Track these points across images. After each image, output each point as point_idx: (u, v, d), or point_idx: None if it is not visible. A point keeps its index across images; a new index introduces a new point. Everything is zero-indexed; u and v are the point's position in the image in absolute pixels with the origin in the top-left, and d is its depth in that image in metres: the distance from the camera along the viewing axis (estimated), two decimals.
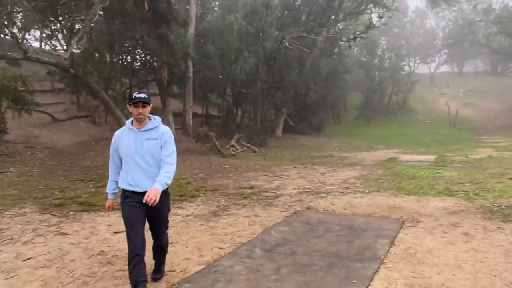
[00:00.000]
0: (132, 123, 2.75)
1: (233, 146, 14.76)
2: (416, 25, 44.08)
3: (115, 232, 4.55)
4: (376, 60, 30.26)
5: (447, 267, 3.32)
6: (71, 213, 5.39)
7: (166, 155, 2.72)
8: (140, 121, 2.67)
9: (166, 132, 2.78)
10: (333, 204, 5.82)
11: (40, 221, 4.97)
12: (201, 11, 19.02)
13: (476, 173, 8.42)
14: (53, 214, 5.29)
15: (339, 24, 15.45)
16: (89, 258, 3.75)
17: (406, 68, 36.26)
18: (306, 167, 10.46)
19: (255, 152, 14.66)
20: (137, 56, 17.12)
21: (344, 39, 15.22)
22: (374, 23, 13.79)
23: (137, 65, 17.23)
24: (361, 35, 14.13)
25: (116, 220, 5.04)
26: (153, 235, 2.98)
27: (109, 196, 2.98)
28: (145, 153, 2.67)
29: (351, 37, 14.49)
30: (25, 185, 7.11)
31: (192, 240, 4.25)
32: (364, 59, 30.43)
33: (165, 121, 15.40)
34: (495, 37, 31.72)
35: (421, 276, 3.17)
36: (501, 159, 10.95)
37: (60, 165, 9.22)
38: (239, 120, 18.83)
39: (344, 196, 6.41)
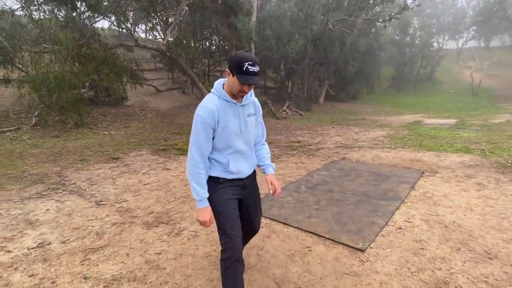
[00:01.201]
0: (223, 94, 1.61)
1: (284, 110, 14.56)
2: (448, 4, 38.05)
3: None
4: (408, 38, 26.97)
5: (459, 209, 3.13)
6: (172, 155, 5.86)
7: (262, 133, 1.88)
8: (240, 97, 1.62)
9: (259, 105, 1.81)
10: (363, 156, 5.62)
11: (152, 160, 5.49)
12: (261, 2, 18.17)
13: (493, 135, 7.49)
14: (160, 156, 5.80)
15: (376, 7, 13.82)
16: (185, 185, 4.11)
17: (435, 44, 32.01)
18: (342, 127, 10.08)
19: (301, 115, 14.36)
20: (213, 41, 17.12)
21: (380, 20, 13.66)
22: (408, 5, 12.12)
23: (213, 48, 17.29)
24: (396, 16, 12.56)
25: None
26: (247, 225, 1.86)
27: (204, 204, 1.63)
28: (248, 132, 1.69)
29: (387, 18, 12.95)
30: (141, 136, 7.80)
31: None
32: (397, 37, 27.30)
33: None
34: None
35: (436, 214, 3.03)
36: None
37: (163, 123, 9.91)
38: (289, 91, 18.37)
39: (373, 150, 6.15)
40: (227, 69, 1.56)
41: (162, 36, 14.34)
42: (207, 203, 1.64)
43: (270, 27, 15.64)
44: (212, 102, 1.60)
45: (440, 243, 2.46)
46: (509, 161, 4.89)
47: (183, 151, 6.14)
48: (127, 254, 2.39)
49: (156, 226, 2.90)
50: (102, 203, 3.48)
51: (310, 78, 18.26)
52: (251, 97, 1.72)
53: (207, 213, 1.64)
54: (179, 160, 5.48)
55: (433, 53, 27.55)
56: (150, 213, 3.21)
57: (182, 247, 2.50)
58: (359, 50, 18.15)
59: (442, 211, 3.08)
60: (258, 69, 1.52)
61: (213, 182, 1.67)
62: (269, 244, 2.52)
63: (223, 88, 1.63)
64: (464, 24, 35.78)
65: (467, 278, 2.01)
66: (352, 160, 5.38)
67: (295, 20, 15.11)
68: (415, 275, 2.06)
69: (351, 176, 4.34)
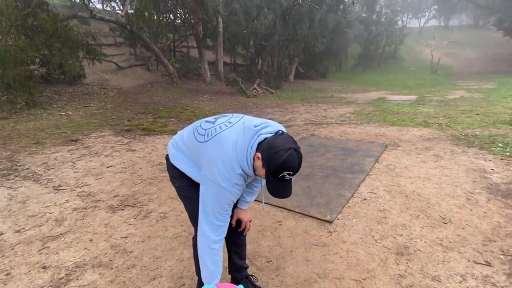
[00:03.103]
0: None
1: (255, 88, 14.39)
2: None
3: None
4: (374, 16, 27.48)
5: (419, 179, 3.33)
6: (137, 136, 5.59)
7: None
8: None
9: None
10: (331, 132, 5.76)
11: (115, 141, 5.19)
12: None
13: (449, 110, 8.03)
14: (124, 137, 5.50)
15: None
16: (152, 167, 3.96)
17: (399, 22, 32.97)
18: (312, 105, 10.22)
19: (272, 93, 14.32)
20: (178, 14, 16.15)
21: None
22: None
23: (178, 22, 16.35)
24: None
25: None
26: None
27: None
28: None
29: None
30: (102, 116, 7.32)
31: None
32: (364, 15, 27.71)
33: (202, 69, 15.10)
34: None
35: (397, 185, 3.21)
36: (471, 99, 10.32)
37: (126, 102, 9.36)
38: (259, 68, 18.13)
39: (340, 126, 6.32)
40: (258, 154, 1.16)
41: (121, 8, 13.27)
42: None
43: (238, 0, 15.05)
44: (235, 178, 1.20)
45: (401, 212, 2.62)
46: (463, 134, 5.28)
47: (149, 131, 5.88)
48: (91, 240, 2.27)
49: (122, 209, 2.77)
50: (61, 188, 3.24)
51: (280, 55, 18.10)
52: None
53: None
54: (145, 141, 5.25)
55: (397, 31, 28.44)
56: (115, 196, 3.06)
57: (150, 229, 2.42)
58: (328, 27, 18.18)
59: (403, 182, 3.27)
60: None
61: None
62: (254, 223, 2.52)
63: (252, 164, 1.19)
64: (426, 2, 37.05)
65: (424, 242, 2.17)
66: (320, 136, 5.50)
67: None
68: (379, 242, 2.18)
69: (320, 152, 4.44)
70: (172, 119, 7.20)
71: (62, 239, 2.28)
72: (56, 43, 8.13)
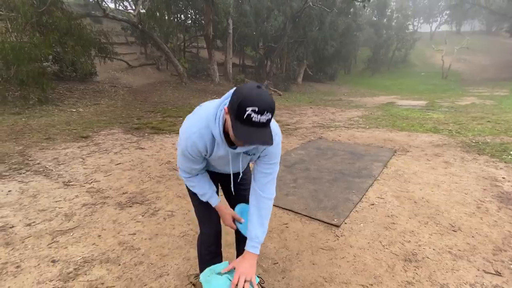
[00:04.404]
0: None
1: None
2: None
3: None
4: (385, 20, 27.30)
5: (428, 185, 3.29)
6: (146, 134, 5.64)
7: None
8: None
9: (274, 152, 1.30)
10: (339, 136, 5.73)
11: (125, 139, 5.25)
12: None
13: (460, 116, 7.90)
14: (133, 135, 5.56)
15: None
16: (160, 165, 3.99)
17: (410, 27, 32.64)
18: (320, 107, 10.18)
19: (280, 95, 14.32)
20: (189, 15, 16.29)
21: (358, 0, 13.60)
22: None
23: (189, 22, 16.49)
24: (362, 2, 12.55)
25: (177, 140, 5.25)
26: None
27: None
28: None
29: None
30: (113, 113, 7.41)
31: None
32: (375, 18, 27.52)
33: (211, 69, 15.18)
34: None
35: (406, 190, 3.17)
36: (482, 106, 10.15)
37: (135, 100, 9.46)
38: (268, 69, 18.17)
39: (349, 130, 6.28)
40: (226, 108, 1.04)
41: (133, 7, 13.44)
42: (215, 199, 1.42)
43: (249, 2, 15.11)
44: (201, 135, 1.14)
45: (409, 218, 2.59)
46: (473, 141, 5.19)
47: (158, 130, 5.93)
48: (99, 236, 2.29)
49: (130, 206, 2.80)
50: (70, 183, 3.29)
51: (289, 57, 18.10)
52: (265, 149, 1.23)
53: (223, 213, 1.48)
54: (154, 139, 5.29)
55: (408, 36, 28.18)
56: (123, 193, 3.09)
57: (158, 227, 2.44)
58: (338, 30, 18.11)
59: (412, 188, 3.22)
60: (270, 117, 0.97)
61: None
62: None
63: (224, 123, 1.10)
64: (438, 8, 36.60)
65: (433, 249, 2.14)
66: (328, 139, 5.47)
67: None
68: (386, 248, 2.15)
69: (328, 155, 4.41)
70: (181, 118, 7.25)
71: (71, 234, 2.31)
72: (69, 41, 8.28)
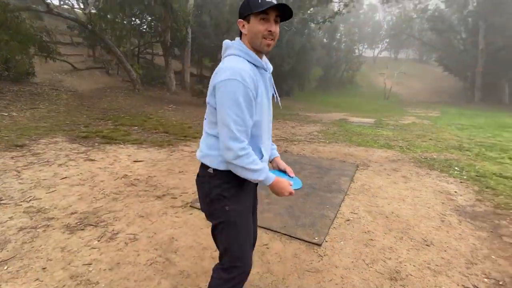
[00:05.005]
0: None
1: None
2: (368, 17, 42.88)
3: (135, 161, 4.32)
4: (335, 43, 29.49)
5: (394, 200, 3.41)
6: (96, 144, 5.05)
7: None
8: (268, 50, 1.20)
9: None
10: (303, 150, 5.80)
11: (70, 149, 4.62)
12: None
13: (405, 134, 8.64)
14: (81, 144, 4.93)
15: (311, 8, 14.53)
16: (115, 180, 3.55)
17: (356, 51, 35.76)
18: (279, 121, 10.33)
19: None
20: (144, 20, 15.57)
21: (315, 21, 14.44)
22: (340, 10, 13.08)
23: (144, 27, 15.74)
24: (330, 19, 13.45)
25: (134, 152, 4.79)
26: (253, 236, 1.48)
27: (272, 177, 1.21)
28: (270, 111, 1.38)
29: (321, 20, 13.78)
30: (54, 119, 6.55)
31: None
32: (326, 41, 29.56)
33: (167, 77, 14.61)
34: (426, 32, 31.46)
35: (376, 205, 3.24)
36: (422, 125, 11.29)
37: (81, 106, 8.56)
38: None
39: (311, 144, 6.40)
40: (239, 20, 1.20)
41: (80, 5, 12.42)
42: (272, 174, 1.23)
43: (209, 13, 15.04)
44: (245, 65, 1.15)
45: (385, 233, 2.61)
46: (423, 157, 5.65)
47: (110, 139, 5.36)
48: (44, 268, 1.87)
49: (82, 229, 2.37)
50: (2, 202, 2.71)
51: None
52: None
53: (283, 182, 1.24)
54: (106, 150, 4.75)
55: (354, 59, 30.75)
56: (72, 213, 2.63)
57: (119, 254, 2.08)
58: (294, 48, 18.94)
59: (381, 202, 3.31)
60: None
61: (237, 180, 1.21)
62: None
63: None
64: (380, 36, 40.81)
65: (413, 265, 2.15)
66: (293, 153, 5.49)
67: (235, 9, 14.82)
68: (370, 267, 2.11)
69: (295, 169, 4.36)
70: (136, 127, 6.71)
71: (5, 267, 1.84)
72: (3, 35, 7.22)
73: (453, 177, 4.43)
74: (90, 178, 3.51)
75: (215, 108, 1.15)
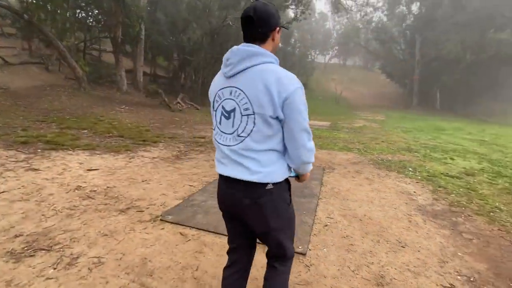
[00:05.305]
0: None
1: (179, 103, 13.68)
2: (320, 24, 45.08)
3: (88, 170, 3.85)
4: (289, 48, 30.43)
5: (364, 202, 3.52)
6: (39, 150, 4.40)
7: None
8: None
9: None
10: None
11: (6, 156, 3.95)
12: None
13: (360, 137, 9.17)
14: (19, 151, 4.25)
15: None
16: (67, 192, 3.10)
17: (310, 57, 37.35)
18: None
19: (198, 109, 13.87)
20: (90, 13, 14.26)
21: None
22: (298, 16, 13.48)
23: (91, 21, 14.44)
24: (287, 25, 13.76)
25: (86, 159, 4.29)
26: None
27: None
28: None
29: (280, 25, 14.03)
30: None
31: (164, 178, 3.81)
32: (281, 45, 30.37)
33: (118, 76, 13.60)
34: (371, 41, 34.09)
35: (348, 208, 3.30)
36: (372, 128, 12.13)
37: (16, 106, 7.47)
38: (182, 82, 17.52)
39: None
40: (278, 28, 1.25)
41: None
42: None
43: (165, 10, 14.38)
44: None
45: (362, 237, 2.66)
46: (379, 159, 6.01)
47: (56, 145, 4.73)
48: None
49: (32, 255, 1.99)
50: None
51: (205, 71, 17.89)
52: None
53: None
54: (52, 158, 4.17)
55: (308, 64, 32.05)
56: (17, 236, 2.20)
57: (83, 284, 1.77)
58: None
59: (352, 205, 3.40)
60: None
61: (287, 183, 1.32)
62: (204, 262, 2.11)
63: None
64: (330, 43, 43.18)
65: (395, 268, 2.21)
66: None
67: (193, 8, 14.40)
68: (357, 274, 2.11)
69: None
70: (85, 131, 6.05)
71: None
72: None
73: (409, 177, 4.76)
74: (35, 192, 3.01)
75: (279, 120, 1.16)
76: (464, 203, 3.73)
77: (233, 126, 1.18)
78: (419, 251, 2.50)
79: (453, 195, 3.99)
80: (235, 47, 1.21)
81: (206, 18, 14.47)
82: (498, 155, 7.32)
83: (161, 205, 2.98)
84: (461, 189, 4.28)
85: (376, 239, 2.64)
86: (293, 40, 31.23)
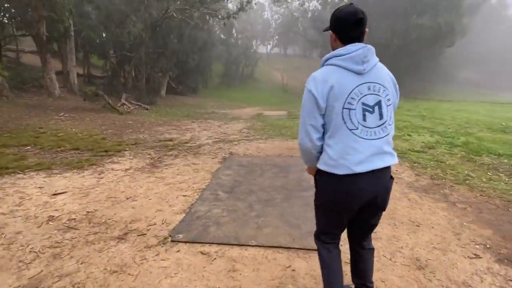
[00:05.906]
0: None
1: (124, 104, 12.54)
2: (258, 14, 45.40)
3: (54, 194, 3.24)
4: (232, 39, 30.14)
5: None
6: None
7: None
8: None
9: None
10: (248, 149, 5.60)
11: None
12: None
13: None
14: None
15: (216, 3, 14.25)
16: (39, 227, 2.56)
17: (253, 48, 37.52)
18: (201, 121, 9.81)
19: (147, 109, 12.88)
20: (2, 8, 12.06)
21: (220, 16, 14.23)
22: (244, 7, 13.28)
23: (4, 18, 12.23)
24: (234, 15, 13.50)
25: (45, 181, 3.62)
26: None
27: None
28: None
29: (226, 16, 13.67)
30: None
31: (151, 192, 3.39)
32: (224, 37, 29.88)
33: (46, 79, 11.87)
34: (309, 30, 35.49)
35: None
36: None
37: None
38: (124, 81, 16.08)
39: (251, 142, 6.26)
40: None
41: None
42: None
43: (96, 2, 12.87)
44: None
45: (388, 224, 2.70)
46: None
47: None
48: None
49: None
50: None
51: (148, 68, 16.69)
52: None
53: None
54: (0, 186, 3.40)
55: (252, 55, 32.17)
56: None
57: None
58: (197, 43, 18.33)
59: None
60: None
61: None
62: (244, 281, 1.90)
63: None
64: (270, 33, 43.87)
65: (423, 249, 2.27)
66: (240, 154, 5.23)
67: None
68: (395, 261, 2.12)
69: (257, 172, 4.16)
70: (28, 147, 5.11)
71: None
72: None
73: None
74: None
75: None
76: (441, 175, 4.09)
77: (381, 118, 1.27)
78: (433, 227, 2.63)
79: (429, 169, 4.34)
80: (360, 44, 1.25)
81: (145, 9, 13.38)
82: (442, 127, 8.25)
83: (162, 224, 2.63)
84: (431, 162, 4.68)
85: (392, 222, 2.71)
86: (234, 31, 30.94)
